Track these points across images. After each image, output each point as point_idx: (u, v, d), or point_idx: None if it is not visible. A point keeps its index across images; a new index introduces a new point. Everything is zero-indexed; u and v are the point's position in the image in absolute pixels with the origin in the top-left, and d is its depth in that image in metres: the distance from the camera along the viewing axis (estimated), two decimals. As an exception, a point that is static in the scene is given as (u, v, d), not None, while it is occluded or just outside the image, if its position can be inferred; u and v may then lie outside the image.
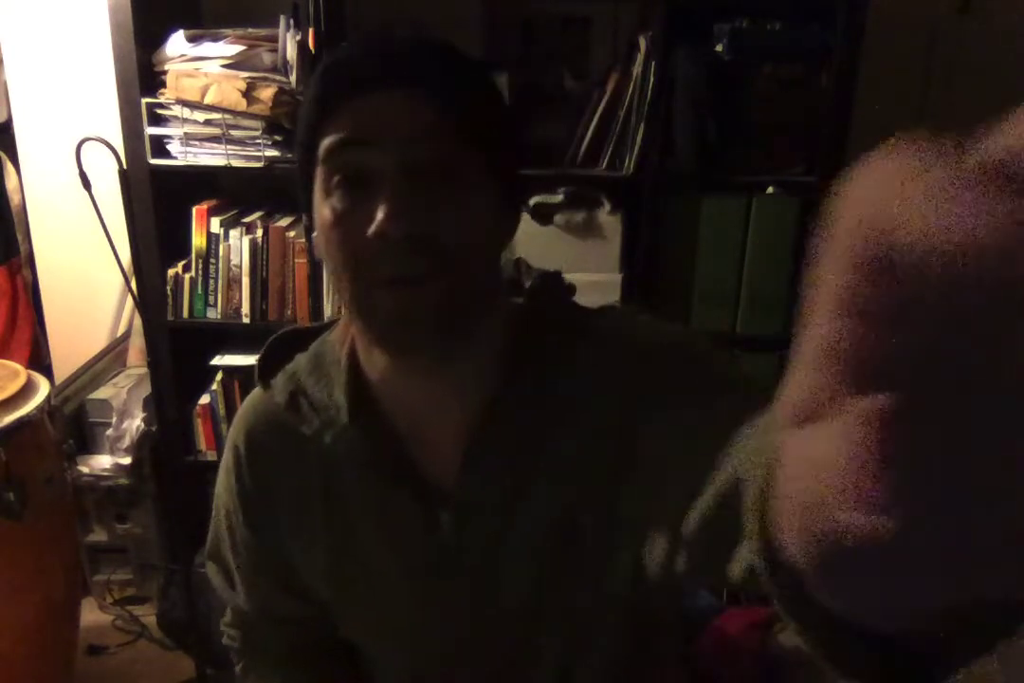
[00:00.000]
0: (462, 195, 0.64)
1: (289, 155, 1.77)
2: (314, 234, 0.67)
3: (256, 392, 0.80)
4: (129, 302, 2.21)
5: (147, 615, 2.20)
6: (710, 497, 0.50)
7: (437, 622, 0.77)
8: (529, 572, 0.71)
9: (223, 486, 0.82)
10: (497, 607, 0.74)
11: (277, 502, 0.79)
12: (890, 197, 0.19)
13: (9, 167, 2.11)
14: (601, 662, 0.76)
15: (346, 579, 0.78)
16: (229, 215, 1.97)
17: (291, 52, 1.77)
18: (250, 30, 1.84)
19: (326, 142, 0.63)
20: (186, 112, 1.77)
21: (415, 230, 0.60)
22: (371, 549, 0.75)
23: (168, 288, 1.93)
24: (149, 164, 1.82)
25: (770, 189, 1.88)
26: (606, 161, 1.88)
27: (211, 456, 2.08)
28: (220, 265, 1.93)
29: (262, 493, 0.79)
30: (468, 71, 0.66)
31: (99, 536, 2.19)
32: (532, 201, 1.90)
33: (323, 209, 0.64)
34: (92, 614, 2.16)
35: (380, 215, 0.60)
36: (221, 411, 2.06)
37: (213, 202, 1.97)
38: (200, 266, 1.94)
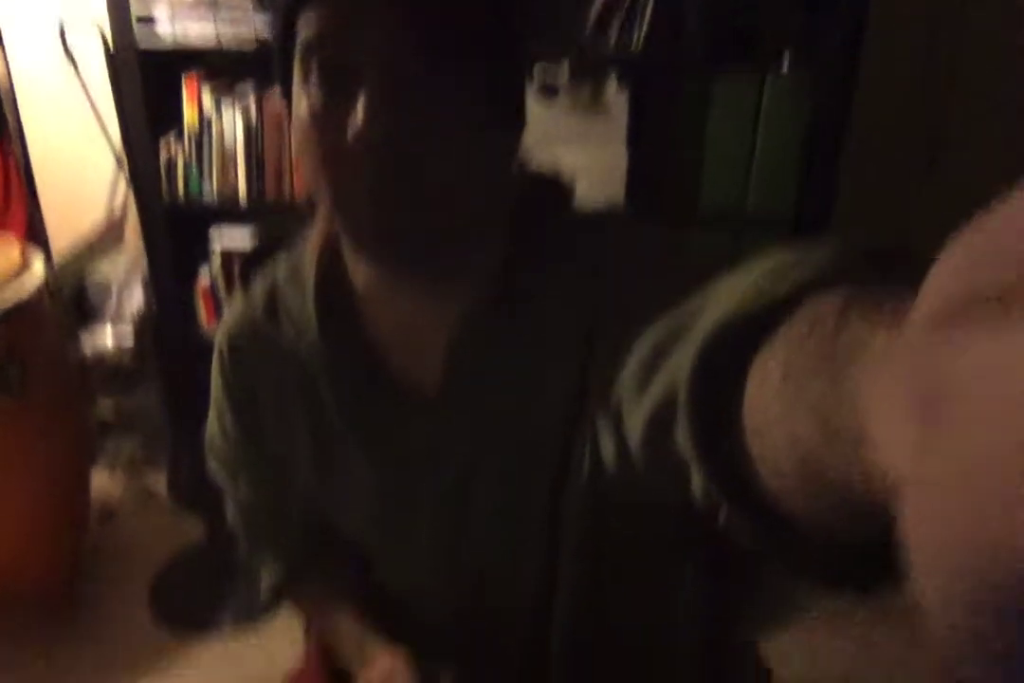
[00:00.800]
0: (453, 105, 0.58)
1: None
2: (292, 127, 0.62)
3: (238, 296, 0.79)
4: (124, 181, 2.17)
5: (157, 483, 2.28)
6: (647, 408, 0.44)
7: (416, 525, 0.76)
8: (499, 473, 0.70)
9: (214, 387, 0.82)
10: (470, 509, 0.73)
11: (261, 402, 0.79)
12: None
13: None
14: (590, 566, 0.72)
15: (331, 477, 0.78)
16: (220, 84, 1.87)
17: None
18: None
19: (303, 35, 0.58)
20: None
21: (398, 142, 0.56)
22: (351, 451, 0.75)
23: (162, 169, 1.89)
24: (135, 43, 1.73)
25: (786, 57, 1.79)
26: (614, 39, 1.81)
27: (212, 333, 2.08)
28: (214, 144, 1.89)
29: (247, 394, 0.80)
30: None
31: (105, 411, 2.24)
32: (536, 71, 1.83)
33: (300, 104, 0.59)
34: (102, 483, 2.24)
35: (360, 115, 0.55)
36: (221, 287, 2.05)
37: (203, 71, 1.89)
38: (193, 145, 1.89)
